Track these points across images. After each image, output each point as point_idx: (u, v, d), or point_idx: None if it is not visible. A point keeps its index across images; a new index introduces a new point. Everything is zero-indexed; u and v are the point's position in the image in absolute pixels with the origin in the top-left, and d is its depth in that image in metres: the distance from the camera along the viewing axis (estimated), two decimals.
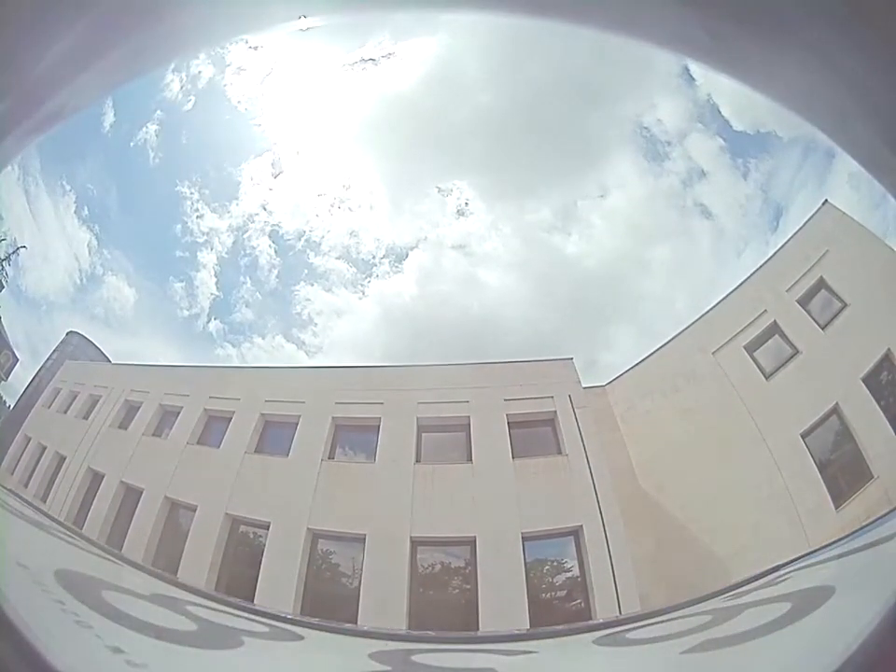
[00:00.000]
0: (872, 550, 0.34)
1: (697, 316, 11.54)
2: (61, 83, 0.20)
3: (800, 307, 10.10)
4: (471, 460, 10.84)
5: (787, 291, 9.66)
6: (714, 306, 10.92)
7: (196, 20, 0.18)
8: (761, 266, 10.05)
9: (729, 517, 9.55)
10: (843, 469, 9.73)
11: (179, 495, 12.47)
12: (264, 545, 11.02)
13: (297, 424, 11.91)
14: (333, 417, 11.74)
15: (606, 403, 12.48)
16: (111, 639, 0.20)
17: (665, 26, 0.19)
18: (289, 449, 11.59)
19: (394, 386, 11.46)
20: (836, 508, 9.08)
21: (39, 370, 23.41)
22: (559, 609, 10.61)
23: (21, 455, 18.65)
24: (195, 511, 11.87)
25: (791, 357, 10.80)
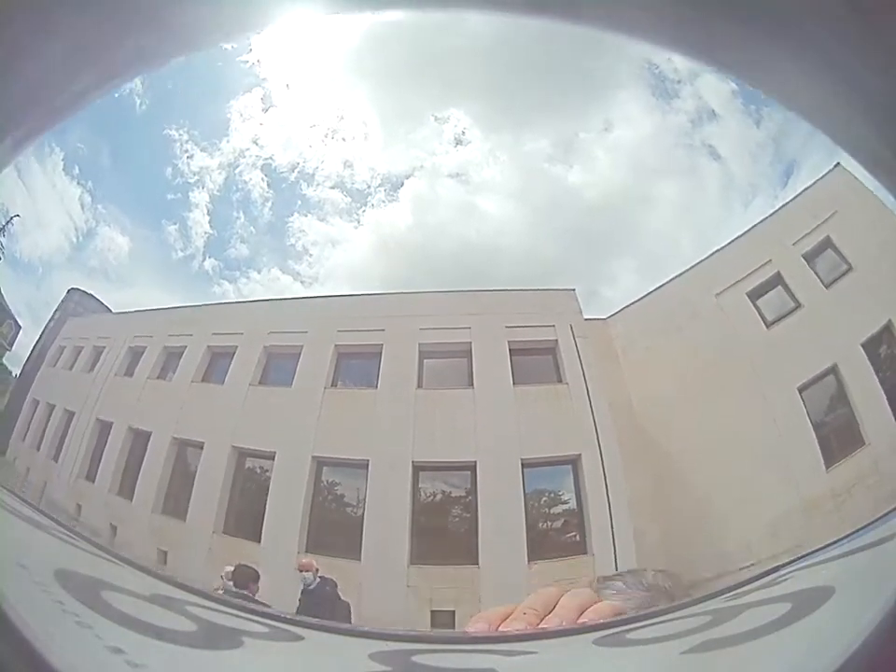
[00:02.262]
0: (872, 550, 0.34)
1: (701, 258, 11.42)
2: (61, 83, 0.20)
3: (805, 262, 10.03)
4: (473, 386, 10.90)
5: (793, 245, 9.59)
6: (719, 249, 10.79)
7: (197, 19, 0.18)
8: (768, 216, 9.74)
9: (725, 465, 9.58)
10: (836, 432, 9.78)
11: (186, 434, 12.52)
12: (270, 479, 11.04)
13: (299, 354, 11.95)
14: (336, 345, 11.78)
15: (607, 336, 12.47)
16: (111, 639, 0.20)
17: (662, 25, 0.19)
18: (292, 379, 11.63)
19: (395, 313, 11.52)
20: (826, 468, 9.14)
21: (42, 333, 23.29)
22: (555, 541, 10.67)
23: (31, 420, 18.67)
24: (202, 448, 11.89)
25: (793, 310, 10.78)
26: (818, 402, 10.16)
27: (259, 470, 11.89)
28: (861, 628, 0.23)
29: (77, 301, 22.59)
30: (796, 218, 10.42)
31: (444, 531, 10.92)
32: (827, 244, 8.27)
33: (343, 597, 4.78)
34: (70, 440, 16.33)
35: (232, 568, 4.38)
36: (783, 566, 0.38)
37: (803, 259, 9.92)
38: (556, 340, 11.35)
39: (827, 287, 9.92)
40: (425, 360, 11.49)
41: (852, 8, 0.16)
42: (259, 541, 8.55)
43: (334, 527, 10.95)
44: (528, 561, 9.70)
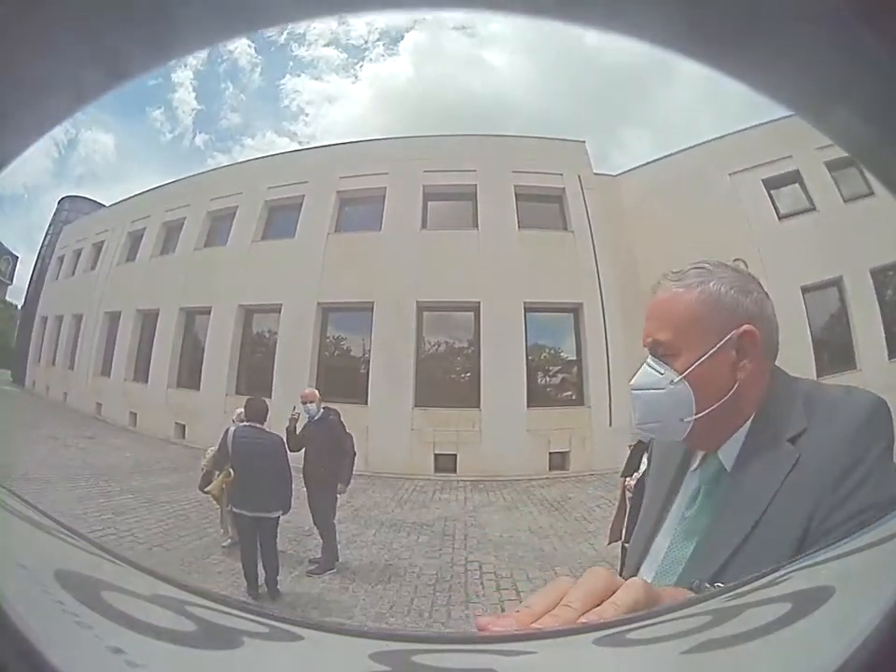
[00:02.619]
0: (872, 550, 0.33)
1: (720, 135, 11.10)
2: (61, 83, 0.20)
3: (826, 170, 9.80)
4: (477, 227, 10.67)
5: (817, 149, 9.37)
6: (739, 131, 10.46)
7: (197, 18, 0.19)
8: (794, 115, 10.16)
9: None
10: (830, 348, 9.75)
11: (192, 302, 12.53)
12: (277, 335, 10.98)
13: (301, 204, 11.71)
14: (338, 192, 11.58)
15: (615, 194, 12.23)
16: (111, 639, 0.20)
17: (662, 25, 0.19)
18: (295, 230, 11.43)
19: (398, 156, 11.21)
20: (817, 377, 9.13)
21: (39, 253, 23.28)
22: (554, 390, 10.64)
23: (43, 339, 18.67)
24: (210, 313, 11.81)
25: (808, 210, 10.55)
26: (818, 312, 10.04)
27: (267, 334, 11.71)
28: (860, 628, 0.23)
29: (70, 209, 22.36)
30: None
31: (447, 376, 10.80)
32: (853, 161, 8.22)
33: (347, 431, 4.80)
34: (82, 342, 16.35)
35: (242, 410, 4.40)
36: (783, 565, 0.38)
37: (824, 166, 9.60)
38: (563, 188, 11.07)
39: (846, 201, 9.64)
40: (429, 203, 11.22)
41: (852, 8, 0.17)
42: (270, 396, 8.26)
43: (342, 373, 10.88)
44: (528, 406, 9.66)
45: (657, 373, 0.69)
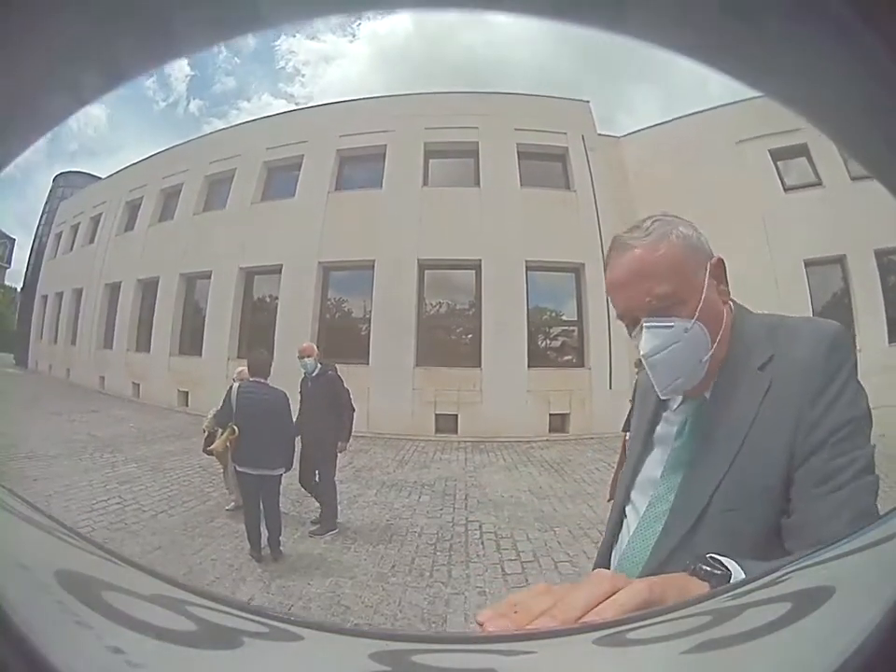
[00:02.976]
0: (872, 550, 0.34)
1: (729, 102, 10.91)
2: (60, 83, 0.20)
3: (834, 146, 9.73)
4: (479, 185, 10.52)
5: None
6: (748, 99, 10.40)
7: (197, 19, 0.19)
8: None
9: None
10: None
11: (192, 267, 12.42)
12: (278, 297, 10.86)
13: (300, 164, 11.55)
14: (338, 150, 11.44)
15: (619, 155, 12.10)
16: (111, 639, 0.20)
17: (663, 25, 0.19)
18: (295, 189, 11.28)
19: (398, 114, 11.10)
20: None
21: (37, 231, 23.18)
22: (555, 352, 10.57)
23: (44, 317, 18.55)
24: (210, 277, 11.70)
25: (814, 184, 10.41)
26: (820, 289, 9.97)
27: (268, 300, 11.61)
28: (861, 628, 0.23)
29: (65, 185, 22.17)
30: None
31: (449, 336, 10.71)
32: None
33: (345, 385, 4.77)
34: (83, 316, 16.25)
35: (243, 369, 4.36)
36: (783, 566, 0.38)
37: (833, 144, 9.59)
38: (567, 147, 10.93)
39: (853, 179, 9.52)
40: (430, 160, 11.08)
41: (852, 8, 0.17)
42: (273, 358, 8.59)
43: (343, 333, 10.79)
44: (528, 367, 9.60)
45: (667, 329, 0.69)
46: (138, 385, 12.82)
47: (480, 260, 9.82)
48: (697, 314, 0.69)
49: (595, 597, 0.35)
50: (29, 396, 12.29)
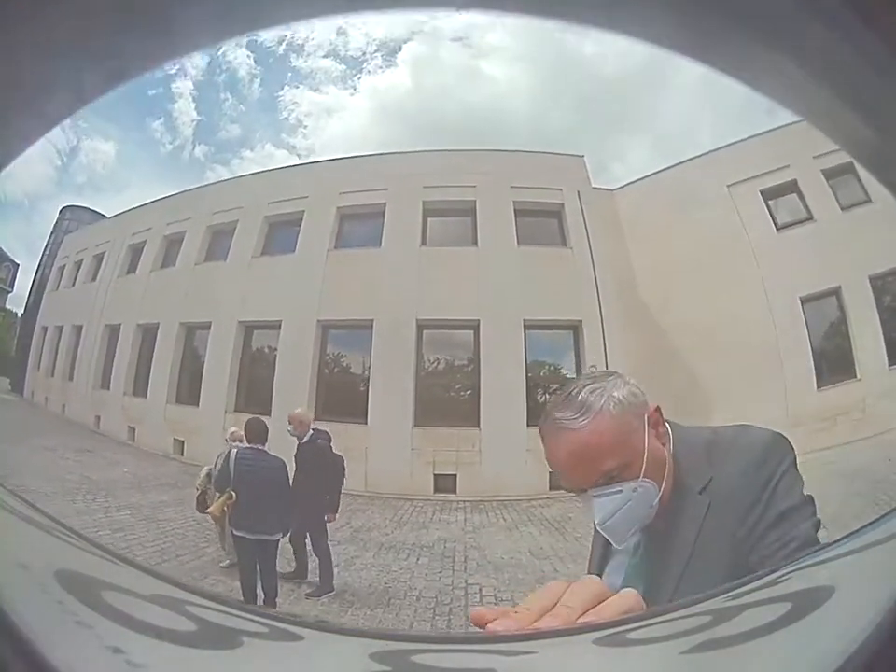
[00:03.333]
0: (872, 550, 0.34)
1: (718, 146, 11.02)
2: (60, 83, 0.20)
3: (823, 179, 9.73)
4: (477, 244, 10.46)
5: (814, 158, 9.28)
6: (737, 142, 10.38)
7: (197, 19, 0.19)
8: (793, 122, 9.88)
9: (722, 353, 9.48)
10: (829, 358, 9.70)
11: (192, 317, 12.42)
12: (277, 350, 10.85)
13: (301, 220, 11.59)
14: (338, 207, 11.41)
15: (613, 208, 12.17)
16: (111, 639, 0.20)
17: (662, 26, 0.19)
18: (295, 245, 11.30)
19: (398, 172, 10.96)
20: (818, 388, 9.08)
21: (40, 261, 23.04)
22: None
23: (42, 348, 18.48)
24: (209, 328, 11.69)
25: (805, 220, 10.47)
26: (817, 322, 10.01)
27: (267, 350, 11.62)
28: (861, 628, 0.23)
29: (71, 218, 22.16)
30: (821, 135, 10.59)
31: (447, 395, 10.71)
32: (850, 168, 7.93)
33: (336, 452, 4.80)
34: (81, 353, 16.21)
35: (236, 429, 4.39)
36: (783, 566, 0.38)
37: (822, 175, 9.56)
38: (563, 204, 10.97)
39: (843, 209, 9.57)
40: (429, 219, 11.11)
41: (852, 8, 0.17)
42: (270, 414, 8.25)
43: (341, 392, 10.78)
44: (528, 425, 9.60)
45: (617, 495, 0.72)
46: (134, 428, 12.82)
47: (478, 320, 9.91)
48: (643, 472, 0.72)
49: (591, 600, 0.35)
50: (23, 426, 12.20)
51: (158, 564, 4.84)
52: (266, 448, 4.07)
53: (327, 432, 4.80)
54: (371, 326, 10.13)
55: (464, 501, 8.78)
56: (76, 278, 17.05)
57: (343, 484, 4.79)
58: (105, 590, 0.29)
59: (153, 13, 0.18)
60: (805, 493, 0.72)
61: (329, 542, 4.71)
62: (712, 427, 0.81)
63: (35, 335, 18.36)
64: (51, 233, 20.97)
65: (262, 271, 11.20)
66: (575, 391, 0.74)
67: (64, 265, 18.15)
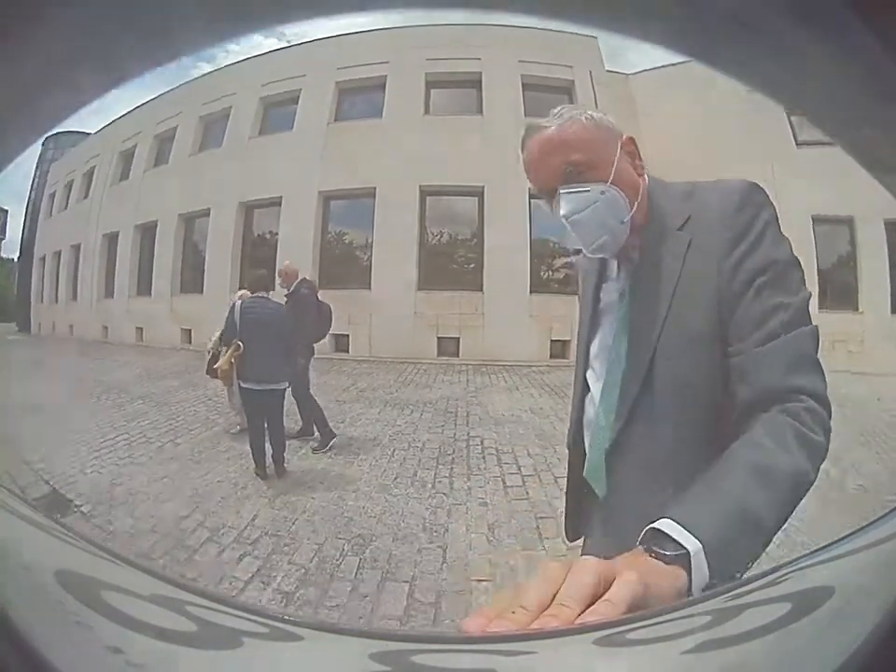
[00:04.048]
0: (872, 550, 0.34)
1: None
2: (61, 83, 0.20)
3: None
4: (482, 113, 10.26)
5: None
6: None
7: (197, 19, 0.19)
8: None
9: None
10: (834, 284, 9.69)
11: (190, 206, 12.28)
12: (278, 229, 10.74)
13: (298, 97, 11.38)
14: (336, 82, 11.25)
15: (627, 92, 11.90)
16: (111, 639, 0.20)
17: (663, 26, 0.19)
18: (293, 123, 11.15)
19: (399, 46, 10.63)
20: (819, 309, 9.09)
21: (29, 198, 22.99)
22: (555, 288, 10.50)
23: (43, 277, 18.36)
24: (209, 215, 11.58)
25: (826, 143, 10.39)
26: (827, 246, 9.93)
27: (268, 236, 11.51)
28: (861, 628, 0.23)
29: (55, 147, 21.90)
30: None
31: (451, 263, 10.64)
32: None
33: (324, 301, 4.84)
34: (82, 269, 16.13)
35: (245, 291, 4.40)
36: (783, 566, 0.38)
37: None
38: (573, 80, 10.80)
39: None
40: (432, 90, 10.94)
41: (852, 8, 0.17)
42: (274, 289, 8.70)
43: (345, 262, 10.70)
44: (531, 293, 9.55)
45: (584, 193, 0.73)
46: (141, 329, 12.81)
47: (483, 187, 9.74)
48: (611, 178, 0.73)
49: (589, 590, 0.35)
50: (32, 356, 12.11)
51: (170, 441, 4.87)
52: (269, 296, 4.10)
53: (311, 281, 4.81)
54: (374, 194, 9.99)
55: (466, 364, 8.89)
56: (68, 200, 16.77)
57: (328, 331, 4.86)
58: (104, 590, 0.29)
59: (152, 13, 0.18)
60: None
61: (311, 391, 4.75)
62: (689, 181, 0.81)
63: (34, 269, 18.18)
64: (36, 167, 20.72)
65: (260, 150, 10.96)
66: (558, 107, 0.77)
67: (55, 191, 17.84)
